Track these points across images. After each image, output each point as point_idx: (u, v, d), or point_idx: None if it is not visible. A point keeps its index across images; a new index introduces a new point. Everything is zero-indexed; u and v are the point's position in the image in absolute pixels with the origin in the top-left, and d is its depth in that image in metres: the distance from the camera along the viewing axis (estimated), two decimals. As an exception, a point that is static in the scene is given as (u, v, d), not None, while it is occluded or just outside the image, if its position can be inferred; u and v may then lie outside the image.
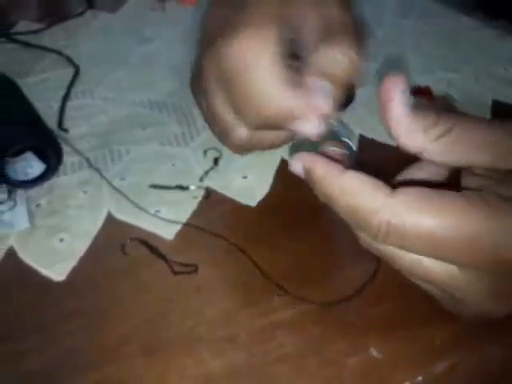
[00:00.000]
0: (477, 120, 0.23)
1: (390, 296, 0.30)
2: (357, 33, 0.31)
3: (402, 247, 0.23)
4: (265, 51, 0.29)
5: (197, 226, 0.35)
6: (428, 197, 0.22)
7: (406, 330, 0.29)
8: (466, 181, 0.27)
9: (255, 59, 0.29)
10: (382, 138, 0.42)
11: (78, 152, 0.41)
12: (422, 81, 0.47)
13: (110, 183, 0.39)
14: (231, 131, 0.33)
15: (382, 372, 0.27)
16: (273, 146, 0.34)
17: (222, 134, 0.34)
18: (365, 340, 0.28)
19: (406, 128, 0.23)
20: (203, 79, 0.33)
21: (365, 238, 0.25)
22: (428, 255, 0.23)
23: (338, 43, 0.29)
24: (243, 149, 0.35)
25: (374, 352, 0.28)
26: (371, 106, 0.45)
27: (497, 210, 0.21)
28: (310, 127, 0.29)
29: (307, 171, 0.25)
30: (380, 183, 0.23)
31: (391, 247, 0.23)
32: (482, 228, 0.21)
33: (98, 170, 0.40)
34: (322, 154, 0.26)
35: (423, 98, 0.45)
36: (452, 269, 0.23)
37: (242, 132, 0.33)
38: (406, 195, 0.22)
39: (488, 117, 0.43)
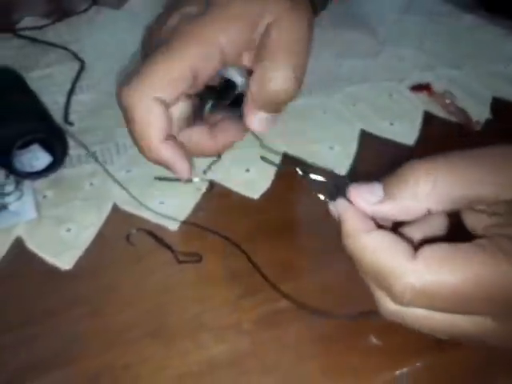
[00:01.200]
0: (472, 155, 0.24)
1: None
2: (294, 47, 0.31)
3: (428, 308, 0.23)
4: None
5: (200, 217, 0.36)
6: (448, 255, 0.22)
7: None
8: (469, 221, 0.26)
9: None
10: (382, 132, 0.42)
11: (83, 145, 0.42)
12: (423, 77, 0.48)
13: (112, 177, 0.39)
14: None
15: (380, 359, 0.28)
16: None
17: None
18: (365, 327, 0.29)
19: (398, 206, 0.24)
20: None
21: (386, 307, 0.24)
22: (456, 313, 0.23)
23: (273, 63, 0.30)
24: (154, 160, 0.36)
25: (373, 339, 0.29)
26: (372, 102, 0.46)
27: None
28: (182, 177, 0.33)
29: (339, 219, 0.25)
30: (403, 245, 0.23)
31: (416, 312, 0.24)
32: (503, 276, 0.21)
33: (102, 164, 0.40)
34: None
35: (424, 94, 0.45)
36: (484, 321, 0.23)
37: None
38: (427, 257, 0.22)
39: (487, 114, 0.43)
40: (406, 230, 0.26)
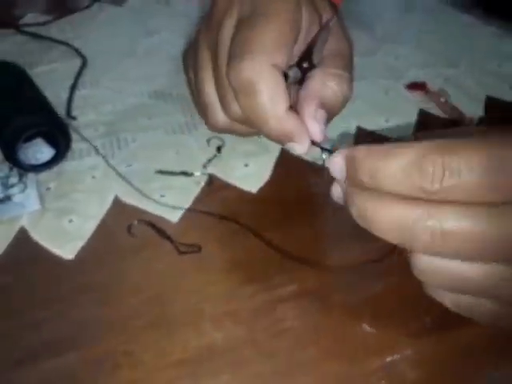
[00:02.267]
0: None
1: (386, 274, 0.32)
2: (350, 58, 0.35)
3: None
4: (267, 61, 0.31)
5: (200, 209, 0.37)
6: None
7: (398, 308, 0.30)
8: None
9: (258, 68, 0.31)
10: (377, 129, 0.43)
11: (85, 139, 0.43)
12: (419, 75, 0.49)
13: (115, 170, 0.40)
14: (211, 112, 0.37)
15: (373, 346, 0.29)
16: (244, 135, 0.39)
17: (202, 109, 0.38)
18: (359, 316, 0.30)
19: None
20: (197, 52, 0.35)
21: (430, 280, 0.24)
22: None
23: (335, 68, 0.33)
24: (216, 129, 0.39)
25: (366, 327, 0.30)
26: (368, 99, 0.46)
27: None
28: (301, 149, 0.31)
29: (349, 158, 0.24)
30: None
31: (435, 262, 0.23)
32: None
33: (104, 157, 0.41)
34: None
35: (419, 92, 0.46)
36: (496, 268, 0.22)
37: (220, 117, 0.37)
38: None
39: (480, 112, 0.45)
40: None
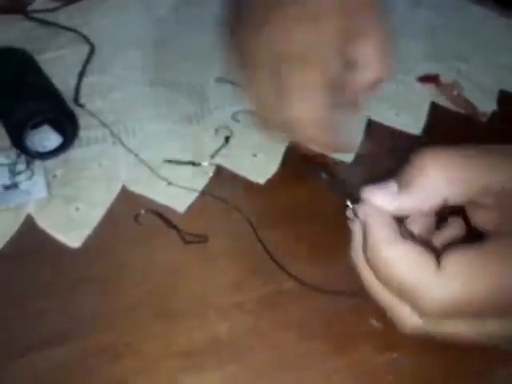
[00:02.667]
0: (479, 148, 0.24)
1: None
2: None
3: (457, 318, 0.23)
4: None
5: (207, 200, 0.37)
6: (473, 264, 0.22)
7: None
8: (477, 218, 0.26)
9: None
10: (388, 122, 0.43)
11: (93, 126, 0.43)
12: (431, 68, 0.48)
13: (130, 151, 0.40)
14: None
15: (379, 341, 0.29)
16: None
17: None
18: (366, 310, 0.29)
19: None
20: (252, 61, 0.33)
21: (408, 322, 0.24)
22: (485, 318, 0.23)
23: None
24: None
25: (374, 322, 0.29)
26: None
27: None
28: None
29: (363, 224, 0.25)
30: (427, 256, 0.23)
31: (442, 325, 0.24)
32: None
33: (115, 142, 0.41)
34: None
35: (431, 85, 0.46)
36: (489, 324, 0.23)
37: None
38: (452, 268, 0.22)
39: (494, 106, 0.44)
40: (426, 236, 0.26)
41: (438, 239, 0.27)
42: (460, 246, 0.23)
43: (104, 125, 0.43)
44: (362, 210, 0.25)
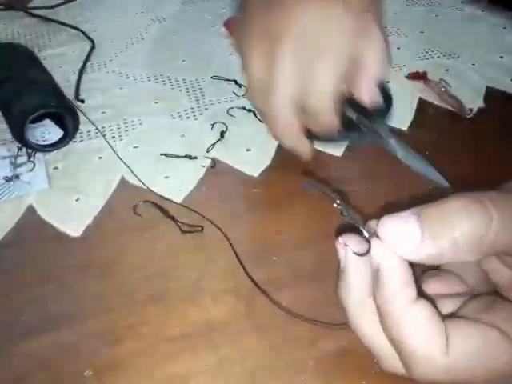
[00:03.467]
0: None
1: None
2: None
3: None
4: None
5: (203, 191, 0.38)
6: (479, 348, 0.22)
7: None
8: (494, 274, 0.25)
9: None
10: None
11: (92, 122, 0.44)
12: (421, 65, 0.49)
13: (117, 154, 0.41)
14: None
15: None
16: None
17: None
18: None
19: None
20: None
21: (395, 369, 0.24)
22: None
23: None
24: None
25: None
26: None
27: None
28: None
29: (377, 265, 0.22)
30: (439, 326, 0.22)
31: None
32: None
33: (114, 136, 0.43)
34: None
35: (420, 82, 0.47)
36: None
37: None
38: (458, 353, 0.22)
39: (480, 102, 0.45)
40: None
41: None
42: (467, 327, 0.23)
43: (103, 120, 0.45)
44: (378, 248, 0.22)
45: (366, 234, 0.22)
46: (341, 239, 0.24)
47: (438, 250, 0.21)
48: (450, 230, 0.21)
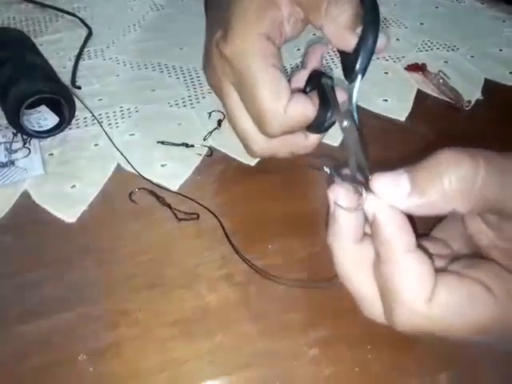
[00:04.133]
0: (506, 160, 0.22)
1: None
2: None
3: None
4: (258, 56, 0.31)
5: (199, 180, 0.38)
6: (462, 303, 0.23)
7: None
8: (474, 230, 0.25)
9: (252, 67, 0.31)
10: (375, 108, 0.44)
11: (89, 109, 0.44)
12: (419, 57, 0.49)
13: (112, 141, 0.41)
14: (248, 139, 0.35)
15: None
16: (293, 154, 0.35)
17: (239, 136, 0.36)
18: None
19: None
20: (217, 78, 0.34)
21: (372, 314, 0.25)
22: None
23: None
24: (261, 156, 0.37)
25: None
26: (368, 78, 0.47)
27: None
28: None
29: (372, 216, 0.23)
30: (428, 274, 0.23)
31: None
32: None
33: (111, 123, 0.42)
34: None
35: (418, 73, 0.47)
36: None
37: (257, 144, 0.34)
38: (442, 304, 0.23)
39: (478, 95, 0.45)
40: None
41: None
42: (454, 281, 0.23)
43: (99, 107, 0.44)
44: (372, 201, 0.23)
45: (360, 188, 0.24)
46: (331, 193, 0.25)
47: (428, 199, 0.22)
48: (439, 180, 0.22)
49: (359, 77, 0.29)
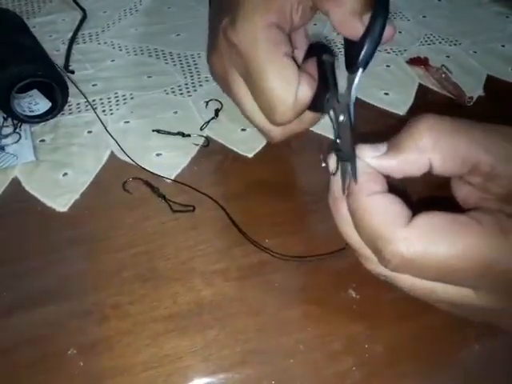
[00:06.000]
0: (473, 123, 0.24)
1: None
2: None
3: (414, 276, 0.24)
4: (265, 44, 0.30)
5: (195, 170, 0.37)
6: (442, 226, 0.22)
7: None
8: (461, 193, 0.26)
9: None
10: (376, 101, 0.43)
11: (83, 94, 0.42)
12: (422, 51, 0.48)
13: (107, 130, 0.40)
14: (266, 132, 0.34)
15: (356, 311, 0.30)
16: (306, 128, 0.35)
17: (252, 123, 0.35)
18: (346, 282, 0.30)
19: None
20: (224, 69, 0.33)
21: (373, 265, 0.25)
22: (442, 282, 0.23)
23: None
24: (281, 140, 0.35)
25: (352, 293, 0.30)
26: (369, 71, 0.46)
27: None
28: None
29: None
30: (400, 209, 0.23)
31: (403, 277, 0.24)
32: (495, 254, 0.21)
33: (105, 110, 0.41)
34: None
35: (420, 67, 0.46)
36: (469, 293, 0.23)
37: (275, 130, 0.33)
38: (420, 226, 0.22)
39: (480, 91, 0.44)
40: None
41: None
42: (437, 212, 0.23)
43: (94, 93, 0.43)
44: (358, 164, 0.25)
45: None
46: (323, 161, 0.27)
47: (402, 155, 0.24)
48: (411, 137, 0.23)
49: (361, 69, 0.29)
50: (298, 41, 0.34)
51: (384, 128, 0.41)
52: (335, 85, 0.30)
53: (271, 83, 0.30)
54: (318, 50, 0.32)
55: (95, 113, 0.41)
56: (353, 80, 0.28)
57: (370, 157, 0.24)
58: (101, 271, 0.31)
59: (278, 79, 0.30)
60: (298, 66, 0.32)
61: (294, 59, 0.31)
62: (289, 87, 0.30)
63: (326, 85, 0.30)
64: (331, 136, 0.40)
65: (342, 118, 0.27)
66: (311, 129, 0.39)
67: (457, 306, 0.25)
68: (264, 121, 0.33)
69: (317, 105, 0.32)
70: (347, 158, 0.25)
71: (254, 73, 0.31)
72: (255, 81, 0.31)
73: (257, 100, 0.32)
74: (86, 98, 0.42)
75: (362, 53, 0.28)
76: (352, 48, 0.29)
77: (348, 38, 0.29)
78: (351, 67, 0.28)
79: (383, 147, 0.25)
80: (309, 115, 0.33)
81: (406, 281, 0.24)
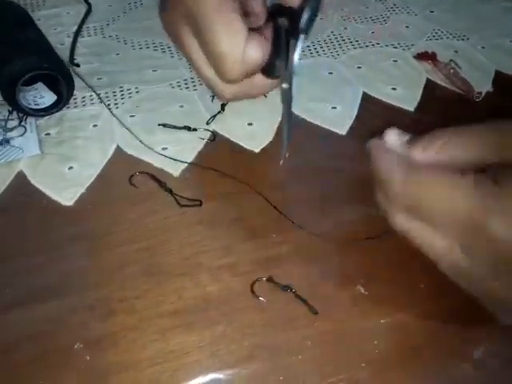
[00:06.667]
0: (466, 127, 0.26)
1: (381, 244, 0.32)
2: None
3: (410, 210, 0.25)
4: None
5: (202, 165, 0.37)
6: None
7: (393, 272, 0.31)
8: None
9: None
10: (384, 97, 0.43)
11: (89, 87, 0.42)
12: (429, 46, 0.48)
13: (118, 118, 0.40)
14: (215, 86, 0.35)
15: (365, 308, 0.29)
16: (259, 93, 0.37)
17: (205, 83, 0.36)
18: (354, 278, 0.30)
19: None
20: (175, 26, 0.34)
21: (393, 218, 0.27)
22: (431, 223, 0.25)
23: None
24: (230, 99, 0.37)
25: (360, 289, 0.30)
26: (376, 66, 0.46)
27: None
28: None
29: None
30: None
31: (413, 226, 0.26)
32: (476, 205, 0.23)
33: (107, 106, 0.41)
34: None
35: (428, 62, 0.46)
36: (455, 249, 0.25)
37: (225, 88, 0.35)
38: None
39: (489, 86, 0.44)
40: None
41: None
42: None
43: (99, 86, 0.43)
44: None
45: None
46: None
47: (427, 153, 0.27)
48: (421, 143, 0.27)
49: (302, 35, 0.29)
50: (255, 7, 0.34)
51: (392, 123, 0.40)
52: (286, 51, 0.30)
53: (218, 35, 0.31)
54: (275, 14, 0.32)
55: (104, 104, 0.41)
56: (295, 46, 0.29)
57: (394, 141, 0.28)
58: (107, 265, 0.31)
59: (225, 32, 0.31)
60: (251, 30, 0.32)
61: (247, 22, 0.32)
62: (236, 41, 0.31)
63: (278, 51, 0.31)
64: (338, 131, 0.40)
65: (284, 85, 0.28)
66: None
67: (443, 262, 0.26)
68: (214, 77, 0.34)
69: (269, 70, 0.32)
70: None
71: (202, 27, 0.31)
72: (204, 35, 0.32)
73: (207, 55, 0.33)
74: (93, 90, 0.42)
75: (302, 20, 0.29)
76: (293, 15, 0.30)
77: (291, 7, 0.30)
78: (294, 33, 0.30)
79: (406, 136, 0.28)
80: (261, 79, 0.34)
81: (415, 230, 0.26)
